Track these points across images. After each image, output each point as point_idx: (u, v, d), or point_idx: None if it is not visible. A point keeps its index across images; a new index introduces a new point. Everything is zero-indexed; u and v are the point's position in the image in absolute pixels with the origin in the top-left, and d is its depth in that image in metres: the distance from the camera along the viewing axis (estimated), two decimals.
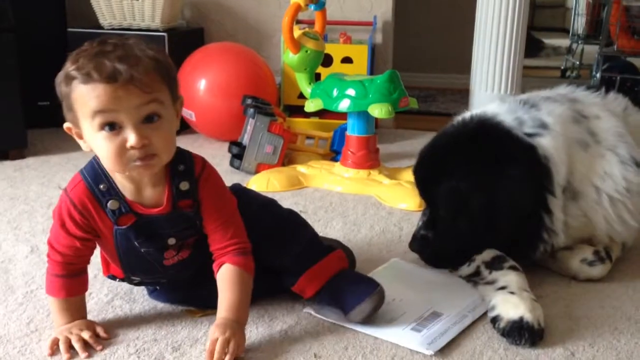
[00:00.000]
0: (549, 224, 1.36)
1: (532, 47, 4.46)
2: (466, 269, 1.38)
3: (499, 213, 1.34)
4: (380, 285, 1.22)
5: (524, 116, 1.42)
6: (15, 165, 2.26)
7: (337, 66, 2.68)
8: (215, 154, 2.35)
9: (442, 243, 1.43)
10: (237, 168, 2.21)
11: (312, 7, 2.20)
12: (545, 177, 1.35)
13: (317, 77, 2.35)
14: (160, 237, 1.16)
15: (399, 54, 3.19)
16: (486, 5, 2.61)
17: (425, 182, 1.48)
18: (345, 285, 1.22)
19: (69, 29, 2.70)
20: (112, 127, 1.02)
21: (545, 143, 1.37)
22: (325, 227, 1.73)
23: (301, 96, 2.53)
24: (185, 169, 1.14)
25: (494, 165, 1.35)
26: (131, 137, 1.02)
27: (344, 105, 2.05)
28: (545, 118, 1.41)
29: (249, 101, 2.30)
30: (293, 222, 1.29)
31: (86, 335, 1.13)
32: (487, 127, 1.41)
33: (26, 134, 2.37)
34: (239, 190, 1.28)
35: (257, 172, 2.18)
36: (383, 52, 2.93)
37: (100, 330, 1.16)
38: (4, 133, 2.31)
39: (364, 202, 1.94)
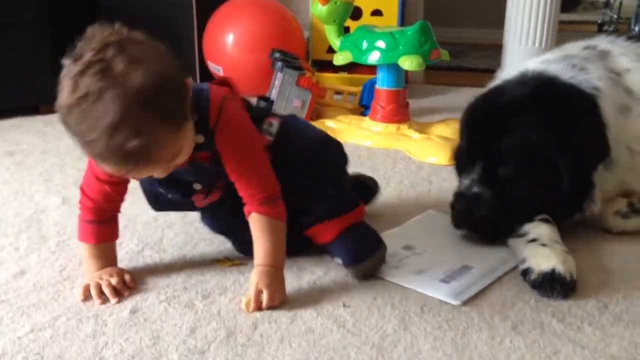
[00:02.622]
0: (590, 195, 1.33)
1: (568, 0, 4.31)
2: None
3: (569, 168, 1.28)
4: (383, 246, 1.21)
5: (579, 78, 1.37)
6: (46, 120, 2.28)
7: (366, 19, 2.62)
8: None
9: (504, 201, 1.30)
10: None
11: None
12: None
13: (346, 30, 2.30)
14: (185, 184, 1.16)
15: (430, 7, 3.11)
16: None
17: (484, 134, 1.36)
18: (351, 241, 1.21)
19: None
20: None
21: (603, 106, 1.33)
22: None
23: (330, 50, 2.49)
24: (199, 120, 1.08)
25: (564, 118, 1.29)
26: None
27: (373, 57, 2.01)
28: (596, 82, 1.36)
29: (277, 55, 2.27)
30: (328, 174, 1.25)
31: (114, 281, 1.15)
32: (551, 82, 1.35)
33: (56, 89, 2.37)
34: (286, 126, 1.23)
35: None
36: (414, 4, 2.86)
37: (128, 278, 1.18)
38: (34, 88, 2.32)
39: (393, 156, 1.92)
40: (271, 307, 1.09)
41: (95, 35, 0.97)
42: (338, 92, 2.41)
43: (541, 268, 1.16)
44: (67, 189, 1.66)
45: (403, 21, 2.69)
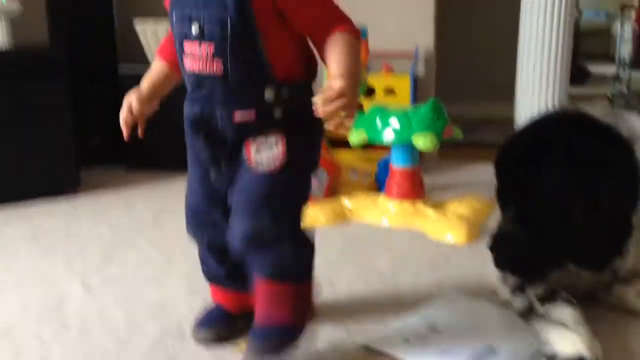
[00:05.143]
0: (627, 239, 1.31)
1: (577, 74, 4.39)
2: (519, 303, 1.35)
3: (606, 209, 1.26)
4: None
5: (615, 120, 1.37)
6: (69, 203, 2.32)
7: (379, 97, 2.69)
8: None
9: (536, 240, 1.29)
10: None
11: None
12: None
13: (360, 107, 2.36)
14: (188, 19, 1.08)
15: (442, 84, 3.19)
16: (529, 33, 2.59)
17: (516, 173, 1.35)
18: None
19: (120, 66, 2.75)
20: None
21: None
22: (372, 261, 1.72)
23: None
24: None
25: (600, 157, 1.28)
26: None
27: (388, 136, 2.05)
28: (635, 124, 1.36)
29: None
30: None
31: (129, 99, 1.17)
32: (587, 121, 1.34)
33: (79, 172, 2.44)
34: None
35: None
36: (425, 82, 2.93)
37: (135, 103, 1.17)
38: (57, 171, 2.38)
39: (410, 235, 1.93)
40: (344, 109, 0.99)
41: None
42: (354, 169, 2.45)
43: (567, 353, 1.15)
44: (89, 275, 1.67)
45: (416, 98, 2.75)
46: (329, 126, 1.01)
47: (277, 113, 1.09)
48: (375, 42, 2.85)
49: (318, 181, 2.20)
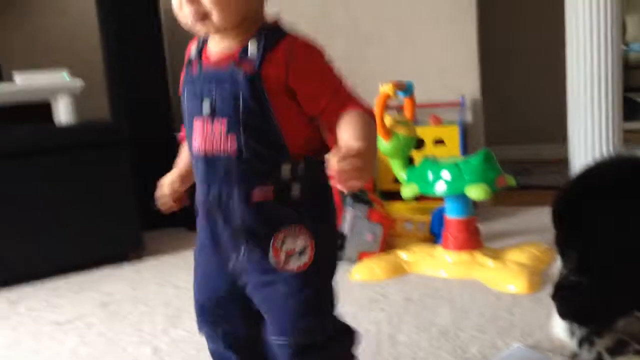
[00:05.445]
0: None
1: (629, 109, 4.33)
2: (588, 356, 1.33)
3: None
4: None
5: None
6: (134, 267, 2.41)
7: (429, 148, 2.72)
8: None
9: (601, 287, 1.26)
10: (339, 257, 2.26)
11: (401, 94, 2.28)
12: None
13: (410, 160, 2.39)
14: (199, 96, 1.05)
15: (490, 128, 3.20)
16: (577, 70, 2.57)
17: (576, 220, 1.32)
18: None
19: (176, 134, 2.89)
20: None
21: None
22: (433, 314, 1.72)
23: (396, 180, 2.58)
24: (267, 38, 1.01)
25: None
26: None
27: (440, 188, 2.07)
28: None
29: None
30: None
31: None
32: None
33: (142, 236, 2.53)
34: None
35: (358, 260, 2.21)
36: (474, 129, 2.95)
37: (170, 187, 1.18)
38: (121, 236, 2.48)
39: (470, 286, 1.92)
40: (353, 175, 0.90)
41: None
42: (408, 221, 2.46)
43: None
44: (157, 338, 1.73)
45: (465, 147, 2.77)
46: (336, 183, 0.91)
47: (295, 191, 1.04)
48: (422, 94, 2.90)
49: (373, 235, 2.22)
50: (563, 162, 2.84)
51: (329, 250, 1.11)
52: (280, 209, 1.04)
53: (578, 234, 1.33)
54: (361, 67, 3.07)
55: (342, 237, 2.27)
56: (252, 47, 1.01)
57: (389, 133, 2.19)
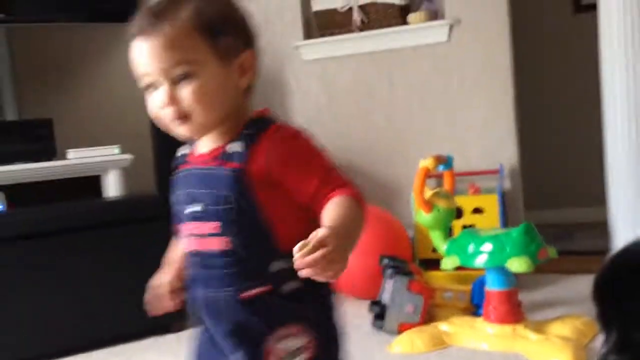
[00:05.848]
0: None
1: None
2: None
3: None
4: None
5: None
6: (178, 338, 2.45)
7: (468, 217, 2.73)
8: (355, 314, 2.41)
9: None
10: (380, 328, 2.26)
11: (441, 167, 2.31)
12: None
13: (450, 234, 2.40)
14: (189, 197, 1.05)
15: (529, 194, 3.19)
16: (614, 131, 2.56)
17: (616, 298, 1.27)
18: None
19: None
20: (153, 86, 1.00)
21: None
22: None
23: (435, 249, 2.59)
24: (250, 133, 1.01)
25: None
26: (158, 96, 0.99)
27: (481, 260, 2.07)
28: None
29: (386, 261, 2.39)
30: None
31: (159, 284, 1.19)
32: None
33: (185, 307, 2.57)
34: None
35: (399, 331, 2.21)
36: (513, 198, 2.95)
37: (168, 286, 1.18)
38: None
39: (513, 359, 1.91)
40: (322, 267, 0.86)
41: None
42: (448, 291, 2.46)
43: None
44: None
45: (505, 216, 2.77)
46: (309, 274, 0.87)
47: (288, 288, 1.01)
48: (460, 163, 2.94)
49: (414, 307, 2.23)
50: (604, 225, 2.81)
51: (328, 347, 1.06)
52: (273, 307, 1.01)
53: (618, 312, 1.33)
54: (401, 137, 3.13)
55: (382, 307, 2.28)
56: (236, 146, 1.01)
57: (429, 206, 2.21)
